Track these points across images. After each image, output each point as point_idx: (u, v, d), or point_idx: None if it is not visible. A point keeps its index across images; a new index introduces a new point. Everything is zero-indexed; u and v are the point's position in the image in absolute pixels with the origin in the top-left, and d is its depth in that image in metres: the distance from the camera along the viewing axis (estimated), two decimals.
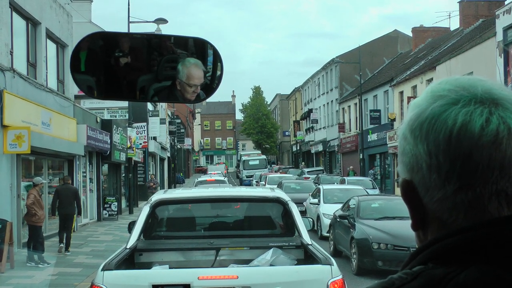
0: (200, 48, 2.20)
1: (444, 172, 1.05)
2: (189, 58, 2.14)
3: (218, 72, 2.20)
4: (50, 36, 21.02)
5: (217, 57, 2.22)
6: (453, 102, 1.07)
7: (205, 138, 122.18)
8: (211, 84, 2.20)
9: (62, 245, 16.79)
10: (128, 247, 6.98)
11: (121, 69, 2.12)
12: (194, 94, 2.18)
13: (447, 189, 1.06)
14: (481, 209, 1.05)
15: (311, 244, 7.04)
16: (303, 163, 68.80)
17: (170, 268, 6.90)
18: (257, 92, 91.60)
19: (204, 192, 8.73)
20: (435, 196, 1.08)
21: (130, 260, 7.14)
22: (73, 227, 17.73)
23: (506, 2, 30.41)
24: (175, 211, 8.41)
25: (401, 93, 39.94)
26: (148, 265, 7.21)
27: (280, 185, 30.37)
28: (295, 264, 6.97)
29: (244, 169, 59.04)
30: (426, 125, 1.07)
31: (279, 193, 8.14)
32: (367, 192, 22.11)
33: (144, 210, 7.54)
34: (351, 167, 45.62)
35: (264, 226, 8.18)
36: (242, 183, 57.28)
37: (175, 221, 8.43)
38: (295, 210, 7.65)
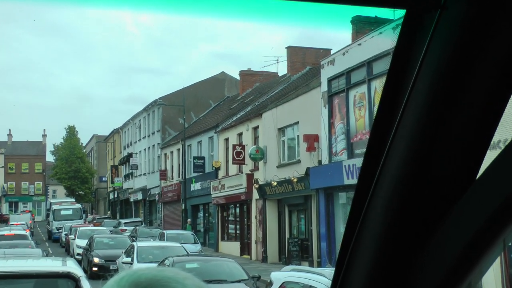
0: None
1: None
2: None
3: None
4: None
5: None
6: None
7: (9, 182, 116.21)
8: None
9: None
10: None
11: None
12: None
13: None
14: None
15: None
16: (109, 212, 67.64)
17: None
18: (71, 132, 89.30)
19: None
20: None
21: None
22: None
23: (332, 52, 32.41)
24: None
25: (227, 140, 40.75)
26: None
27: (91, 240, 29.60)
28: None
29: (54, 220, 56.41)
30: None
31: (70, 267, 7.97)
32: (185, 250, 22.08)
33: None
34: (189, 220, 44.56)
35: None
36: (51, 236, 54.98)
37: None
38: (86, 287, 7.51)
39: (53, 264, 8.47)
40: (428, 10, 1.20)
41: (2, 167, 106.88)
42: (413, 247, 1.26)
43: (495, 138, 1.24)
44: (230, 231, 40.42)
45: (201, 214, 46.89)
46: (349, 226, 1.40)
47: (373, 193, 1.30)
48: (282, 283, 9.97)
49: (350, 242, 1.38)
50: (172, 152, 53.57)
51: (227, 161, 40.38)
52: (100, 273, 24.78)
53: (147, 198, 60.52)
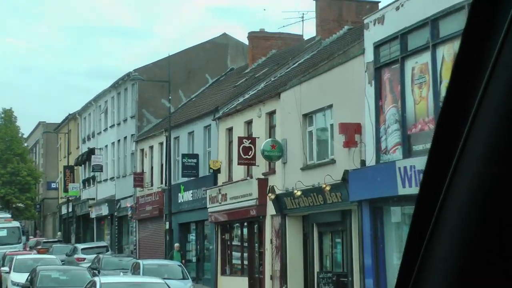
0: None
1: None
2: None
3: None
4: None
5: None
6: None
7: None
8: None
9: None
10: None
11: None
12: None
13: None
14: None
15: None
16: (59, 233, 67.49)
17: None
18: (8, 118, 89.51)
19: None
20: None
21: None
22: None
23: (380, 6, 32.36)
24: None
25: (230, 130, 40.91)
26: None
27: (33, 273, 29.61)
28: None
29: None
30: None
31: None
32: None
33: None
34: (176, 245, 44.05)
35: None
36: None
37: None
38: None
39: None
40: None
41: None
42: None
43: None
44: (234, 261, 40.60)
45: (193, 236, 47.03)
46: (407, 256, 1.38)
47: (442, 208, 1.27)
48: None
49: (409, 280, 1.35)
50: (151, 148, 53.75)
51: (230, 161, 40.60)
52: None
53: (116, 214, 60.75)
